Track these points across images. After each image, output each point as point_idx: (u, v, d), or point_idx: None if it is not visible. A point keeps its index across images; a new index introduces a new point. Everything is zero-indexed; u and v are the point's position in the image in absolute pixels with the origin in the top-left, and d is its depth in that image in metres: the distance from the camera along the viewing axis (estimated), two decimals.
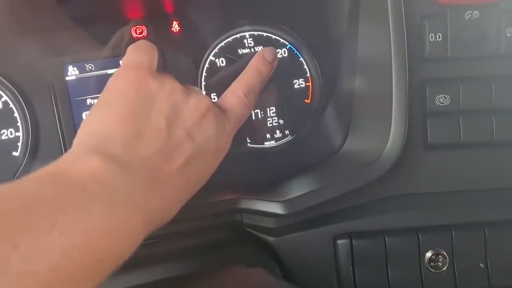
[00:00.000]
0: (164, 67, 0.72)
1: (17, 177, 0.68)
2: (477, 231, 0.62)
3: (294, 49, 0.75)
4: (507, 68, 0.63)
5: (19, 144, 0.68)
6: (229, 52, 0.74)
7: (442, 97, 0.62)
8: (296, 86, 0.75)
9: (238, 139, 0.72)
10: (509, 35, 0.62)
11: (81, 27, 0.70)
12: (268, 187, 0.67)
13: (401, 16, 0.60)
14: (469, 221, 0.62)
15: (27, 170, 0.68)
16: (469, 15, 0.62)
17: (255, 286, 0.48)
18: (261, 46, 0.74)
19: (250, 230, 0.64)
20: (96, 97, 0.70)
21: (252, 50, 0.74)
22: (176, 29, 0.73)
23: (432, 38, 0.62)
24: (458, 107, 0.62)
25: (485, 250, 0.62)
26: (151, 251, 0.61)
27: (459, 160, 0.64)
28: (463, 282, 0.62)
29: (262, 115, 0.74)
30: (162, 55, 0.71)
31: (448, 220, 0.62)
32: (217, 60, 0.74)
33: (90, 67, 0.71)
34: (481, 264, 0.62)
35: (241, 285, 0.48)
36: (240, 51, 0.74)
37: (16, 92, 0.68)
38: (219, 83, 0.72)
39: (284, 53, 0.75)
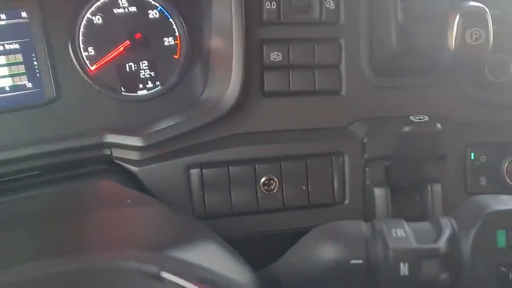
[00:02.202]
0: (44, 24, 0.80)
1: None
2: (301, 161, 0.78)
3: (165, 11, 0.87)
4: (327, 32, 0.79)
5: None
6: (105, 11, 0.84)
7: (275, 54, 0.77)
8: (166, 43, 0.87)
9: (114, 87, 0.83)
10: (328, 6, 0.77)
11: None
12: (136, 127, 0.79)
13: None
14: (295, 154, 0.78)
15: None
16: None
17: (105, 194, 0.61)
18: (134, 7, 0.85)
19: (118, 162, 0.76)
20: None
21: (126, 10, 0.85)
22: None
23: (268, 6, 0.76)
24: (288, 62, 0.78)
25: (307, 176, 0.78)
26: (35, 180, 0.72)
27: (289, 105, 0.79)
28: (289, 201, 0.78)
29: (136, 67, 0.85)
30: (42, 11, 0.79)
31: (279, 153, 0.78)
32: (93, 18, 0.83)
33: None
34: (303, 187, 0.78)
35: (91, 193, 0.61)
36: (116, 11, 0.84)
37: None
38: (96, 39, 0.82)
39: (156, 14, 0.86)
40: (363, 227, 0.50)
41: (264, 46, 0.77)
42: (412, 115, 0.75)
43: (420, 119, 0.70)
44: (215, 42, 0.81)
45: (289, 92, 0.79)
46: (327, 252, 0.48)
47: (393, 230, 0.48)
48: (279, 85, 0.78)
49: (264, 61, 0.77)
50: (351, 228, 0.51)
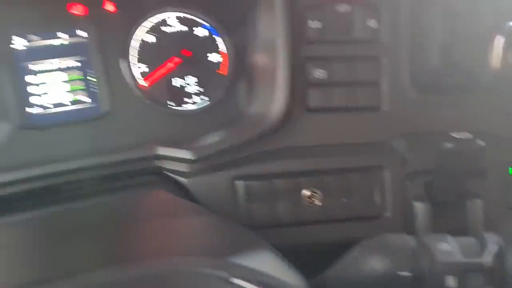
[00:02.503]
0: (101, 43, 0.86)
1: None
2: (342, 175, 0.81)
3: (211, 29, 0.91)
4: (368, 50, 0.82)
5: None
6: (157, 30, 0.89)
7: (319, 72, 0.81)
8: (212, 60, 0.91)
9: (163, 102, 0.88)
10: (369, 25, 0.80)
11: (27, 4, 0.83)
12: (185, 141, 0.83)
13: (287, 7, 0.77)
14: (336, 167, 0.81)
15: None
16: (341, 8, 0.80)
17: (160, 203, 0.65)
18: (184, 26, 0.90)
19: (168, 173, 0.80)
20: (42, 63, 0.84)
21: (177, 29, 0.90)
22: (111, 9, 0.87)
23: (312, 25, 0.80)
24: (332, 79, 0.81)
25: (348, 189, 0.81)
26: (88, 190, 0.77)
27: (331, 120, 0.82)
28: (331, 213, 0.81)
29: (184, 83, 0.90)
30: (99, 31, 0.85)
31: (321, 166, 0.81)
32: (146, 36, 0.89)
33: (35, 38, 0.84)
34: (344, 200, 0.81)
35: (146, 203, 0.65)
36: (167, 30, 0.89)
37: None
38: (148, 56, 0.88)
39: (204, 32, 0.91)
40: (410, 240, 0.53)
41: (308, 64, 0.80)
42: (453, 131, 0.77)
43: (461, 135, 0.71)
44: (260, 59, 0.85)
45: (331, 108, 0.82)
46: (375, 264, 0.50)
47: (439, 244, 0.50)
48: (322, 101, 0.81)
49: (308, 78, 0.80)
50: (398, 241, 0.53)
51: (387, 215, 0.81)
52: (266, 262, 0.47)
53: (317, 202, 0.81)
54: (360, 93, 0.81)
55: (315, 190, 0.80)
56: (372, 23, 0.80)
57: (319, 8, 0.79)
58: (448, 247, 0.49)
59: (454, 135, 0.72)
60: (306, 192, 0.80)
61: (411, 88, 0.82)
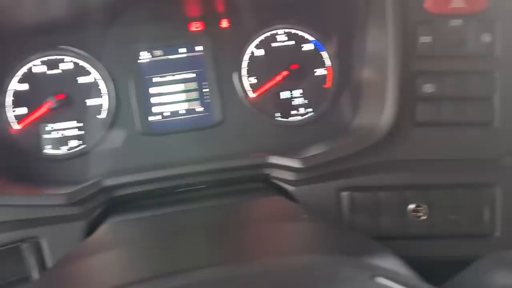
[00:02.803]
0: (215, 56, 0.92)
1: (104, 134, 0.90)
2: (450, 190, 0.79)
3: (317, 44, 0.95)
4: (481, 65, 0.80)
5: (104, 109, 0.90)
6: (267, 44, 0.94)
7: (429, 86, 0.80)
8: (318, 74, 0.95)
9: (270, 113, 0.93)
10: (483, 39, 0.79)
11: (153, 23, 0.92)
12: (292, 151, 0.87)
13: (398, 22, 0.78)
14: (444, 182, 0.80)
15: (109, 129, 0.90)
16: (453, 22, 0.79)
17: (278, 208, 0.68)
18: (292, 41, 0.94)
19: (276, 181, 0.84)
20: (163, 76, 0.92)
21: (285, 43, 0.94)
22: (225, 25, 0.93)
23: (423, 40, 0.80)
24: (441, 94, 0.80)
25: (456, 205, 0.79)
26: (201, 193, 0.83)
27: (439, 135, 0.82)
28: (437, 229, 0.80)
29: (290, 95, 0.94)
30: (214, 46, 0.92)
31: (428, 181, 0.80)
32: (256, 51, 0.94)
33: (158, 53, 0.92)
34: (452, 216, 0.80)
35: (267, 207, 0.69)
36: (276, 44, 0.94)
37: (104, 70, 0.90)
38: (258, 69, 0.93)
39: (310, 47, 0.95)
40: None
41: (417, 78, 0.80)
42: None
43: None
44: (367, 73, 0.87)
45: (440, 123, 0.81)
46: (498, 279, 0.50)
47: None
48: (431, 115, 0.81)
49: (417, 92, 0.80)
50: None
51: (497, 234, 0.79)
52: (393, 265, 0.48)
53: (423, 216, 0.80)
54: (471, 108, 0.80)
55: (422, 205, 0.80)
56: (486, 37, 0.79)
57: (430, 23, 0.79)
58: None
59: None
60: (411, 206, 0.80)
61: None
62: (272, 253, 0.47)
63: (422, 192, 0.80)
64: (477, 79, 0.80)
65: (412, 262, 0.82)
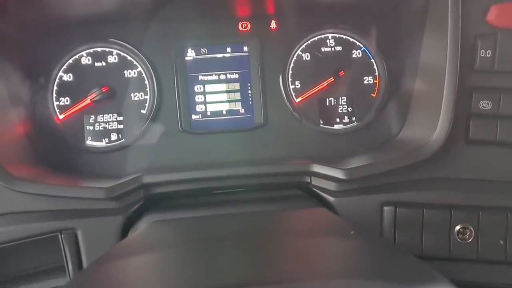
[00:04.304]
0: (261, 58, 0.90)
1: (144, 129, 0.89)
2: (501, 213, 0.75)
3: (367, 51, 0.91)
4: None
5: (146, 104, 0.90)
6: (314, 49, 0.91)
7: (485, 103, 0.77)
8: (365, 82, 0.91)
9: (313, 119, 0.90)
10: None
11: (200, 20, 0.90)
12: (334, 160, 0.84)
13: (458, 34, 0.74)
14: (495, 205, 0.76)
15: (151, 125, 0.89)
16: None
17: (320, 220, 0.66)
18: (340, 47, 0.91)
19: (316, 190, 0.81)
20: (207, 74, 0.90)
21: (333, 49, 0.91)
22: (273, 27, 0.91)
23: (482, 54, 0.76)
24: (498, 112, 0.76)
25: (506, 230, 0.75)
26: (239, 196, 0.81)
27: (493, 155, 0.78)
28: (484, 254, 0.76)
29: (335, 102, 0.91)
30: (261, 47, 0.90)
31: (478, 202, 0.76)
32: (303, 55, 0.91)
33: (204, 51, 0.91)
34: (501, 241, 0.75)
35: (310, 218, 0.66)
36: (323, 49, 0.92)
37: (149, 65, 0.89)
38: (303, 73, 0.90)
39: (359, 54, 0.92)
40: None
41: (474, 94, 0.77)
42: None
43: None
44: (419, 84, 0.83)
45: (495, 142, 0.77)
46: None
47: None
48: (485, 134, 0.77)
49: (473, 109, 0.77)
50: None
51: None
52: None
53: (469, 239, 0.76)
54: None
55: (469, 227, 0.76)
56: None
57: (492, 37, 0.75)
58: None
59: None
60: (458, 227, 0.76)
61: None
62: (313, 274, 0.44)
63: (471, 213, 0.76)
64: None
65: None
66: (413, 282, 0.44)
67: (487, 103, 0.77)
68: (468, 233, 0.76)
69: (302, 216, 0.69)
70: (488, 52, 0.76)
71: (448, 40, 0.75)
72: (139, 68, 0.89)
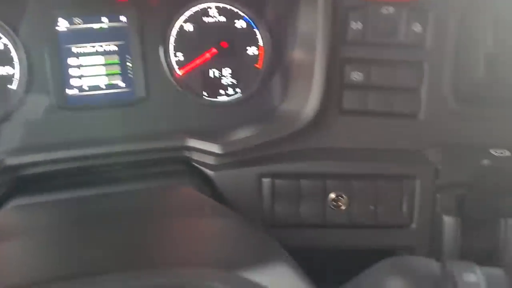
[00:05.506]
0: (141, 29, 0.86)
1: (12, 107, 0.83)
2: (371, 181, 0.79)
3: (251, 22, 0.90)
4: (411, 55, 0.79)
5: (13, 79, 0.83)
6: (196, 19, 0.88)
7: (356, 74, 0.78)
8: (249, 52, 0.90)
9: (197, 92, 0.88)
10: (414, 29, 0.77)
11: None
12: (217, 133, 0.83)
13: (329, 5, 0.75)
14: (366, 173, 0.79)
15: (21, 101, 0.83)
16: (385, 10, 0.77)
17: (184, 200, 0.65)
18: (223, 17, 0.89)
19: (196, 165, 0.81)
20: (82, 47, 0.85)
21: (216, 19, 0.89)
22: None
23: (353, 26, 0.77)
24: (369, 83, 0.78)
25: (376, 196, 0.79)
26: (117, 175, 0.79)
27: (364, 124, 0.80)
28: (356, 219, 0.79)
29: (219, 74, 0.90)
30: (140, 18, 0.85)
31: (350, 170, 0.79)
32: (185, 25, 0.88)
33: (78, 21, 0.85)
34: (371, 206, 0.79)
35: (174, 198, 0.65)
36: (206, 20, 0.89)
37: (15, 36, 0.82)
38: (186, 45, 0.87)
39: (242, 24, 0.90)
40: (434, 266, 0.51)
41: (346, 65, 0.78)
42: (491, 147, 0.73)
43: (501, 153, 0.68)
44: (297, 55, 0.83)
45: (366, 112, 0.80)
46: (394, 286, 0.49)
47: (465, 274, 0.48)
48: (357, 104, 0.79)
49: (345, 80, 0.78)
50: (422, 266, 0.51)
51: (414, 226, 0.79)
52: (280, 277, 0.46)
53: (342, 206, 0.79)
54: (397, 99, 0.79)
55: (342, 194, 0.79)
56: (417, 27, 0.77)
57: (362, 9, 0.77)
58: (475, 279, 0.47)
59: (493, 152, 0.69)
60: (332, 195, 0.79)
61: (452, 98, 0.79)
62: (144, 261, 0.44)
63: (344, 181, 0.79)
64: (405, 70, 0.79)
65: (331, 252, 0.82)
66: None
67: (358, 75, 0.78)
68: (341, 201, 0.79)
69: (168, 195, 0.68)
70: (359, 24, 0.77)
71: (319, 11, 0.75)
72: (4, 39, 0.82)
